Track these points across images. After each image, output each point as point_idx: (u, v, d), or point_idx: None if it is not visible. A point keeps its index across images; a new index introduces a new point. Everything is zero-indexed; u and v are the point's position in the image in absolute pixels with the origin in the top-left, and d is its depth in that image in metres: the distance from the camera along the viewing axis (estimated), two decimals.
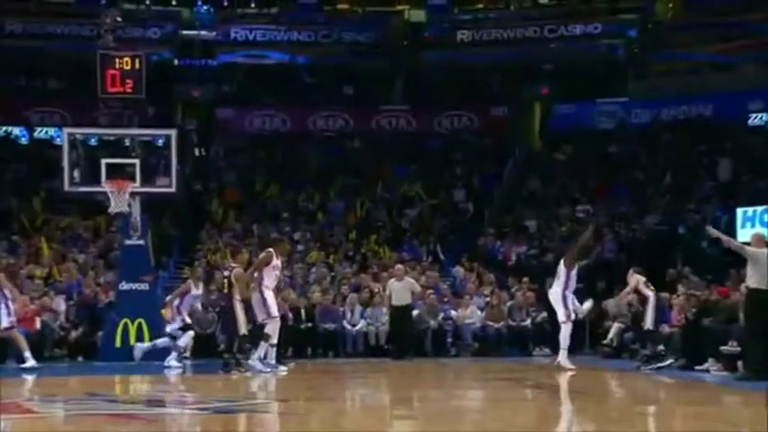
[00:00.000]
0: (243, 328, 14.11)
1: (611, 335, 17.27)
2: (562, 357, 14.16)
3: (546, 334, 17.74)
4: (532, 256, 22.04)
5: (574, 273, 14.32)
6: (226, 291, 14.08)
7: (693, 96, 26.73)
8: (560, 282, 14.30)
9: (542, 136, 29.21)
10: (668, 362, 14.29)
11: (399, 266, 18.00)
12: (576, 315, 14.53)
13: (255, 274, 13.95)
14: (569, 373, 13.60)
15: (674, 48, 27.96)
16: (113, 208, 16.36)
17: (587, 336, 18.57)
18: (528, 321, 18.63)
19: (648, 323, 14.99)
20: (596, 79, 28.28)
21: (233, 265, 14.46)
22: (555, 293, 14.41)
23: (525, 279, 19.59)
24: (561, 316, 14.32)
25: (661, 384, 12.79)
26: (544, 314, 18.33)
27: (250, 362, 13.96)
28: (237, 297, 13.87)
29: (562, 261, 14.46)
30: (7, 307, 14.99)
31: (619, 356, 16.76)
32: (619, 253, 21.41)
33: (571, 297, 14.42)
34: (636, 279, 15.17)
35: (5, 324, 15.00)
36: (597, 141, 27.39)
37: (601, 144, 27.27)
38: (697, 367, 13.79)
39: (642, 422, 8.97)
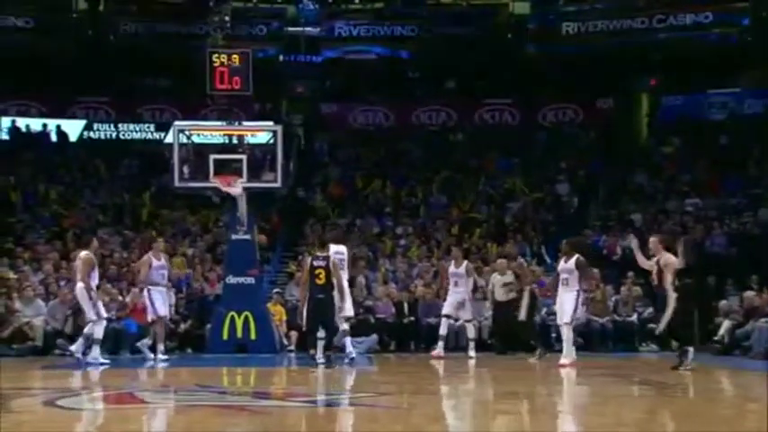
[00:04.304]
0: (338, 321, 14.23)
1: (721, 331, 16.87)
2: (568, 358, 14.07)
3: (653, 329, 17.41)
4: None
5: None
6: (321, 282, 13.63)
7: None
8: (573, 285, 14.21)
9: (650, 128, 28.64)
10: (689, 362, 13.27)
11: (502, 261, 17.88)
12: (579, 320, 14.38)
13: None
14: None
15: None
16: (217, 198, 16.63)
17: (697, 332, 18.16)
18: (634, 317, 18.33)
19: (662, 324, 13.30)
20: (706, 69, 27.55)
21: (323, 253, 14.10)
22: (571, 297, 14.22)
23: (630, 273, 19.22)
24: (567, 318, 14.17)
25: None
26: (650, 309, 18.01)
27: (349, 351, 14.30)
28: (336, 287, 13.80)
29: (573, 264, 14.25)
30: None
31: (730, 353, 16.35)
32: (728, 247, 20.85)
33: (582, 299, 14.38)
34: (668, 258, 13.06)
35: (162, 312, 15.50)
36: (707, 133, 26.69)
37: (711, 136, 26.57)
38: None
39: (754, 421, 8.72)
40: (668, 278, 13.06)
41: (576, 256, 14.41)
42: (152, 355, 15.39)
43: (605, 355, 17.10)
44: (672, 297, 13.12)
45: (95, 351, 14.57)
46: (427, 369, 14.74)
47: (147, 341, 15.72)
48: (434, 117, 29.05)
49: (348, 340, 14.80)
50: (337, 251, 14.74)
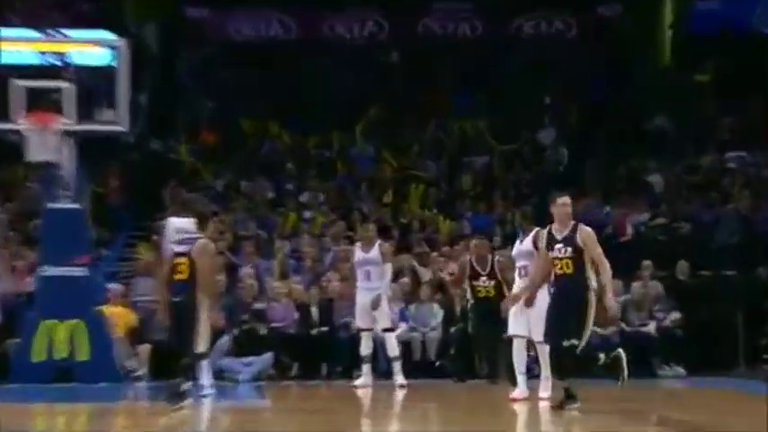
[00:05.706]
0: (202, 343, 13.77)
1: None
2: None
3: (678, 343, 17.72)
4: (659, 226, 21.86)
5: None
6: (181, 277, 12.87)
7: None
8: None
9: (674, 47, 28.98)
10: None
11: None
12: None
13: None
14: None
15: None
16: (33, 154, 16.48)
17: (741, 348, 18.45)
18: (651, 325, 18.51)
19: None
20: None
21: (190, 234, 13.31)
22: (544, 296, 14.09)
23: (647, 262, 19.42)
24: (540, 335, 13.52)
25: None
26: (676, 314, 18.23)
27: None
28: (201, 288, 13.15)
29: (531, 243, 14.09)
30: None
31: None
32: None
33: None
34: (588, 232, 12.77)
35: None
36: (757, 53, 27.10)
37: (762, 57, 26.99)
38: None
39: None
40: (590, 257, 12.79)
41: (536, 230, 14.15)
42: None
43: (609, 381, 17.22)
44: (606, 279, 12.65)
45: None
46: (343, 404, 14.70)
47: None
48: (358, 28, 29.03)
49: (205, 366, 14.39)
50: (180, 228, 13.89)
